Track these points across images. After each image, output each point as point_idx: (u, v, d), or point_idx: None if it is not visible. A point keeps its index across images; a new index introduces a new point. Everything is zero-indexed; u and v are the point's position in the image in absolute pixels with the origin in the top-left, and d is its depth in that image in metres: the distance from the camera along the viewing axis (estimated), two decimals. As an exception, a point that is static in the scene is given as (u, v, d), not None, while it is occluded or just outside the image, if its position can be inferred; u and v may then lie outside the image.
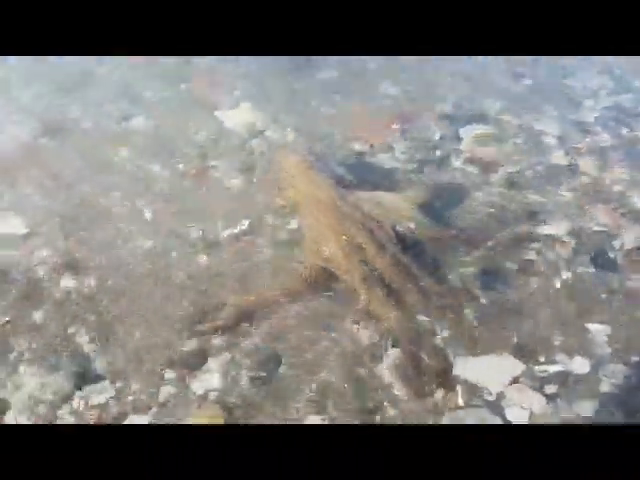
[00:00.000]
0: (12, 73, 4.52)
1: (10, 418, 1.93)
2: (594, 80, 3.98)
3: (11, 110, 4.00)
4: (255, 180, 3.16)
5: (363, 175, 3.11)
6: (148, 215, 2.95)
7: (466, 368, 1.97)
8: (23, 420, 1.93)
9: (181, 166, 3.33)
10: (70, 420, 1.93)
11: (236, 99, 4.00)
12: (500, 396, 1.88)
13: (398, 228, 2.44)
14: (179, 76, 4.35)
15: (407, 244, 2.43)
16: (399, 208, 2.50)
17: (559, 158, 3.13)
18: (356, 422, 1.85)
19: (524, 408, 1.80)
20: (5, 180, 3.25)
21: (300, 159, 2.72)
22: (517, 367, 1.93)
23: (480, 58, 4.42)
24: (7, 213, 2.98)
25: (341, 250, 2.30)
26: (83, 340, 2.22)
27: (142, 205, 3.02)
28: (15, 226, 2.89)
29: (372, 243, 2.33)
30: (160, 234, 2.79)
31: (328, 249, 2.33)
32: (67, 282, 2.51)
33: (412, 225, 2.44)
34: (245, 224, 2.84)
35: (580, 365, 1.94)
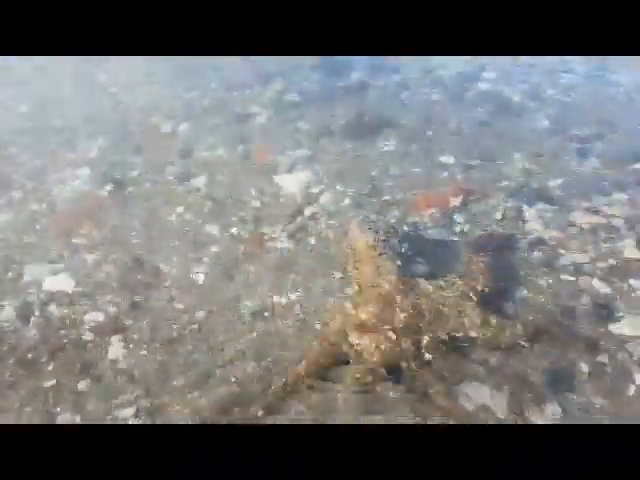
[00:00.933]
0: (80, 125, 4.73)
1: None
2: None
3: (77, 163, 4.16)
4: (308, 247, 3.13)
5: (419, 247, 3.02)
6: (200, 280, 2.93)
7: None
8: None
9: (235, 230, 3.32)
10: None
11: (293, 163, 4.02)
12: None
13: (455, 334, 2.29)
14: (237, 137, 4.45)
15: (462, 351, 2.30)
16: (462, 311, 2.31)
17: (630, 248, 2.94)
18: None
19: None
20: (63, 237, 3.33)
21: (372, 244, 2.53)
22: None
23: (543, 131, 4.34)
24: (60, 271, 3.02)
25: (373, 346, 2.19)
26: (127, 415, 2.15)
27: (195, 269, 3.00)
28: (68, 285, 2.91)
29: (413, 349, 2.20)
30: (211, 302, 2.75)
31: (361, 341, 2.21)
32: (115, 351, 2.47)
33: (474, 334, 2.28)
34: (296, 293, 2.78)
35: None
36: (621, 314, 2.49)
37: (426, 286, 2.39)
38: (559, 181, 3.64)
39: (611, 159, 3.86)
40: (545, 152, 4.01)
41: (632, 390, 2.14)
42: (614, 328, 2.42)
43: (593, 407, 2.07)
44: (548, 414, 2.03)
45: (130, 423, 1.95)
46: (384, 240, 2.59)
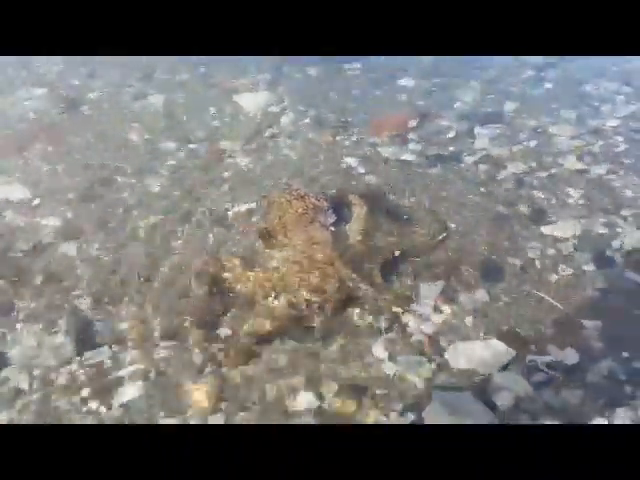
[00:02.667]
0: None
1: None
2: (613, 86, 3.93)
3: (32, 85, 4.09)
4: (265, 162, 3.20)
5: (374, 167, 3.12)
6: (156, 190, 2.98)
7: (457, 352, 1.98)
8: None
9: (192, 146, 3.36)
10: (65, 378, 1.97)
11: (254, 85, 4.03)
12: (488, 380, 1.88)
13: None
14: (199, 59, 4.41)
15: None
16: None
17: (570, 161, 3.09)
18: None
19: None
20: (19, 152, 3.32)
21: (302, 211, 2.42)
22: (508, 354, 1.93)
23: (501, 61, 4.41)
24: (17, 183, 3.04)
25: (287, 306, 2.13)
26: (84, 304, 2.26)
27: (151, 181, 3.05)
28: (23, 194, 2.94)
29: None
30: (166, 210, 2.81)
31: (278, 302, 2.13)
32: (70, 249, 2.55)
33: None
34: (252, 204, 2.85)
35: (570, 357, 1.93)
36: (554, 218, 2.66)
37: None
38: (511, 104, 3.74)
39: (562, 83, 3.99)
40: (500, 78, 4.11)
41: (554, 278, 2.32)
42: (546, 229, 2.59)
43: (520, 294, 2.25)
44: (477, 299, 2.21)
45: (127, 423, 1.84)
46: (313, 208, 2.49)
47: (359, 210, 2.56)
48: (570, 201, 2.79)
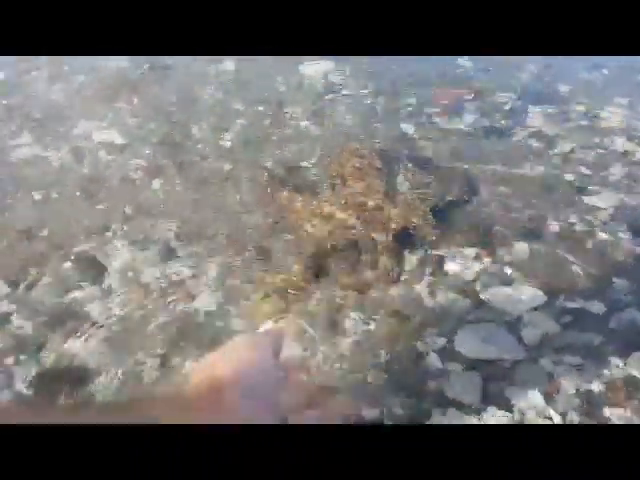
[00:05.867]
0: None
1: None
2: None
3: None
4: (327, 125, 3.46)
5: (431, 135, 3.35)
6: (228, 145, 3.30)
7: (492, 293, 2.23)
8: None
9: (260, 107, 3.66)
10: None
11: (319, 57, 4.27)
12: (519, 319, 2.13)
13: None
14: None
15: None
16: None
17: (618, 143, 3.23)
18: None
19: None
20: (109, 103, 3.72)
21: (358, 166, 2.72)
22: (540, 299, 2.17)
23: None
24: (108, 128, 3.43)
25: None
26: (170, 234, 2.61)
27: (223, 136, 3.37)
28: (114, 138, 3.32)
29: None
30: (236, 161, 3.12)
31: (313, 228, 2.45)
32: (155, 185, 2.92)
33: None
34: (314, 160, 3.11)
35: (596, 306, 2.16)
36: (597, 189, 2.84)
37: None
38: (566, 87, 3.87)
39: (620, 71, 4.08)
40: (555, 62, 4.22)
41: (591, 244, 2.51)
42: (588, 199, 2.77)
43: (556, 253, 2.46)
44: (518, 251, 2.44)
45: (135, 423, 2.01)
46: (368, 164, 2.74)
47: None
48: (614, 177, 2.95)
